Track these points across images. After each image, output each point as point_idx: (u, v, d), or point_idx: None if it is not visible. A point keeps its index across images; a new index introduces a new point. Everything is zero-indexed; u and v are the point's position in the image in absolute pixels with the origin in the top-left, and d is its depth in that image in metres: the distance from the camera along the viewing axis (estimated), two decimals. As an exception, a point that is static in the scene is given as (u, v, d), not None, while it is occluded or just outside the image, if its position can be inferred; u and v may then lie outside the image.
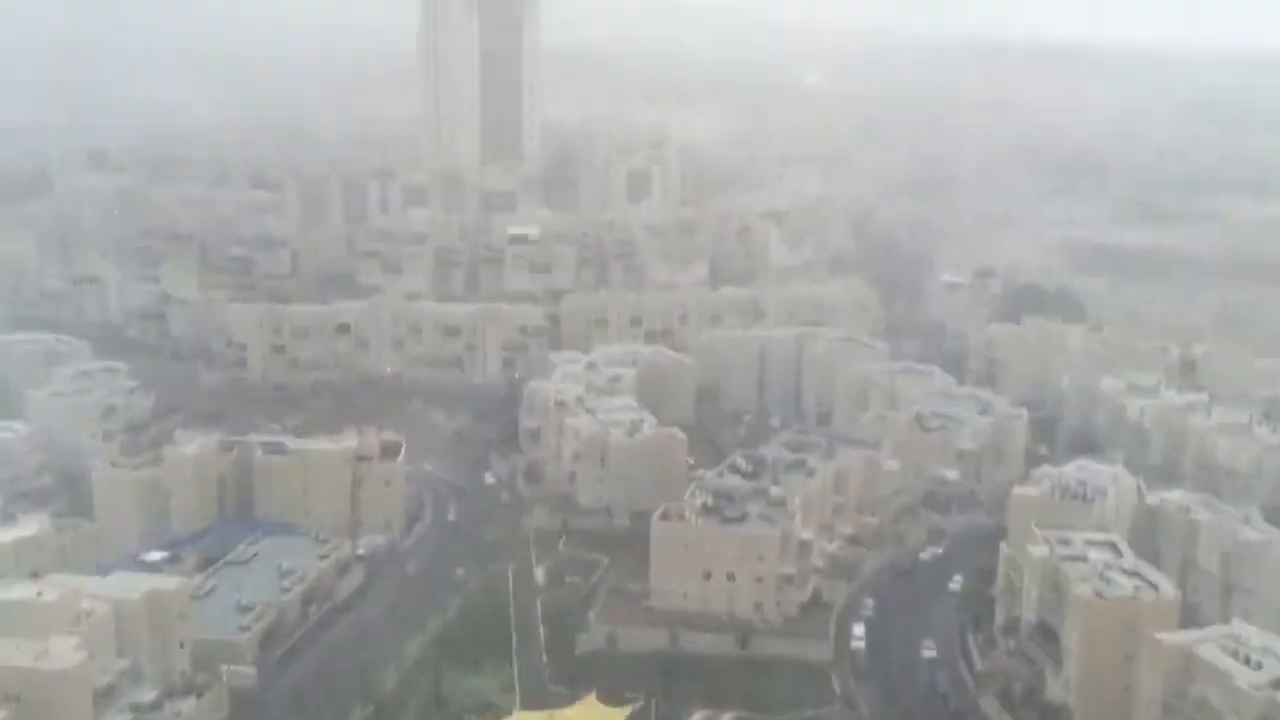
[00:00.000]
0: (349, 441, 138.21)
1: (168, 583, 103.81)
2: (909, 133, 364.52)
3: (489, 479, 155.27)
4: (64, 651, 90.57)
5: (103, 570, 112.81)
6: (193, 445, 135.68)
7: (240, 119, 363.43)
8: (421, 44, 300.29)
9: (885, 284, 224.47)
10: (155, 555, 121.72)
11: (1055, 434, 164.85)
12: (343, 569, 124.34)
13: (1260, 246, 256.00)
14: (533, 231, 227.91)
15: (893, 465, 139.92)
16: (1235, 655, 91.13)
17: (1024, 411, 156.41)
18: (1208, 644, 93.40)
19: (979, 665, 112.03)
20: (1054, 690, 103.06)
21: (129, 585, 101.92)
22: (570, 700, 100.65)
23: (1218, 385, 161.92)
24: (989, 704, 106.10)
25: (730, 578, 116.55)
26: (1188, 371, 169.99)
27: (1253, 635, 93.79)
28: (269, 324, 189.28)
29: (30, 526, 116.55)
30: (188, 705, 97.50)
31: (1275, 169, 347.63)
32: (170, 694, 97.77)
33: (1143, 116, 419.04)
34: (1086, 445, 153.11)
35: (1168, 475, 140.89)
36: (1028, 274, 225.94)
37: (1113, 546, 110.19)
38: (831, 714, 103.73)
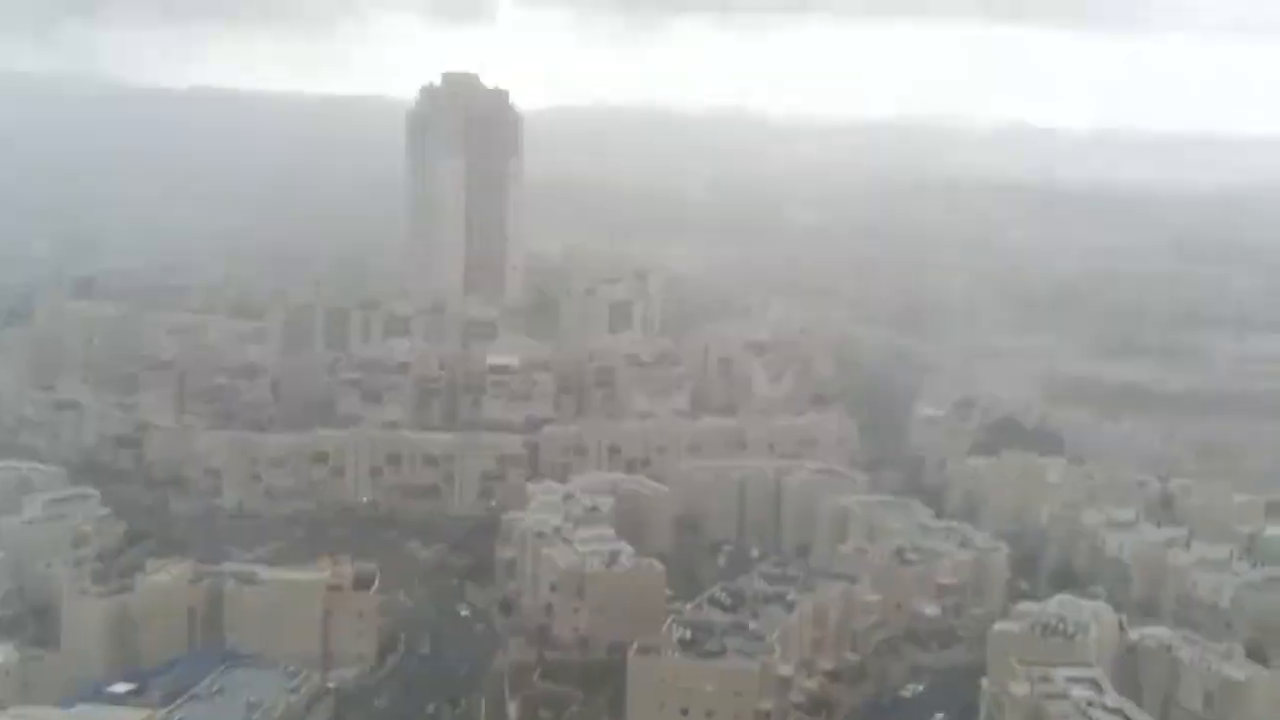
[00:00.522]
0: (321, 571, 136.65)
1: (132, 716, 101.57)
2: (890, 266, 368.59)
3: (464, 610, 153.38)
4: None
5: (66, 702, 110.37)
6: (163, 574, 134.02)
7: (228, 247, 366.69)
8: (408, 175, 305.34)
9: (866, 415, 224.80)
10: (121, 687, 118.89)
11: (1036, 568, 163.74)
12: (312, 702, 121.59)
13: (1238, 382, 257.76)
14: (513, 361, 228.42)
15: (872, 599, 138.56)
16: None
17: (1004, 545, 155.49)
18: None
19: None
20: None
21: (92, 718, 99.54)
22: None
23: (1197, 520, 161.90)
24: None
25: (709, 714, 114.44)
26: (1167, 506, 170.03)
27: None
28: (245, 452, 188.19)
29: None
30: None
31: (1253, 305, 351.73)
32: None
33: (1123, 252, 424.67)
34: (1067, 580, 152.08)
35: (1149, 610, 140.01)
36: (1007, 407, 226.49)
37: (1094, 683, 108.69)
38: None
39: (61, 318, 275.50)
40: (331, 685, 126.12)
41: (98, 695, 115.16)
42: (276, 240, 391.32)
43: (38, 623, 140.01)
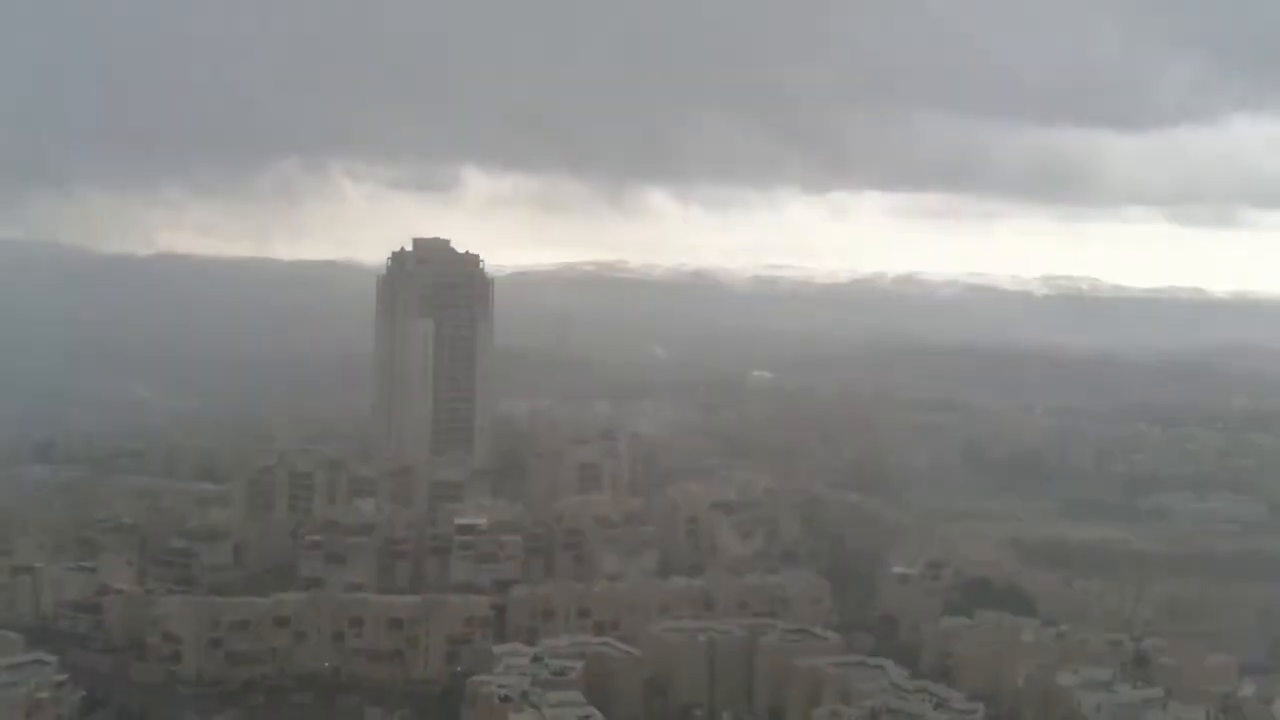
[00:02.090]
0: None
1: None
2: (855, 429, 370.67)
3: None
4: None
5: None
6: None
7: (191, 411, 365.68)
8: (377, 338, 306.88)
9: (836, 576, 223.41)
10: None
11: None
12: None
13: (1202, 541, 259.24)
14: (481, 521, 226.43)
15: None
16: None
17: (980, 706, 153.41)
18: None
19: None
20: None
21: None
22: None
23: (1171, 680, 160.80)
24: None
25: None
26: (1142, 665, 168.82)
27: None
28: (206, 616, 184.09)
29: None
30: None
31: (1212, 466, 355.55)
32: None
33: (1085, 415, 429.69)
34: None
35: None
36: (978, 568, 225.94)
37: None
38: None
39: (19, 482, 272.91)
40: None
41: None
42: (237, 405, 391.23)
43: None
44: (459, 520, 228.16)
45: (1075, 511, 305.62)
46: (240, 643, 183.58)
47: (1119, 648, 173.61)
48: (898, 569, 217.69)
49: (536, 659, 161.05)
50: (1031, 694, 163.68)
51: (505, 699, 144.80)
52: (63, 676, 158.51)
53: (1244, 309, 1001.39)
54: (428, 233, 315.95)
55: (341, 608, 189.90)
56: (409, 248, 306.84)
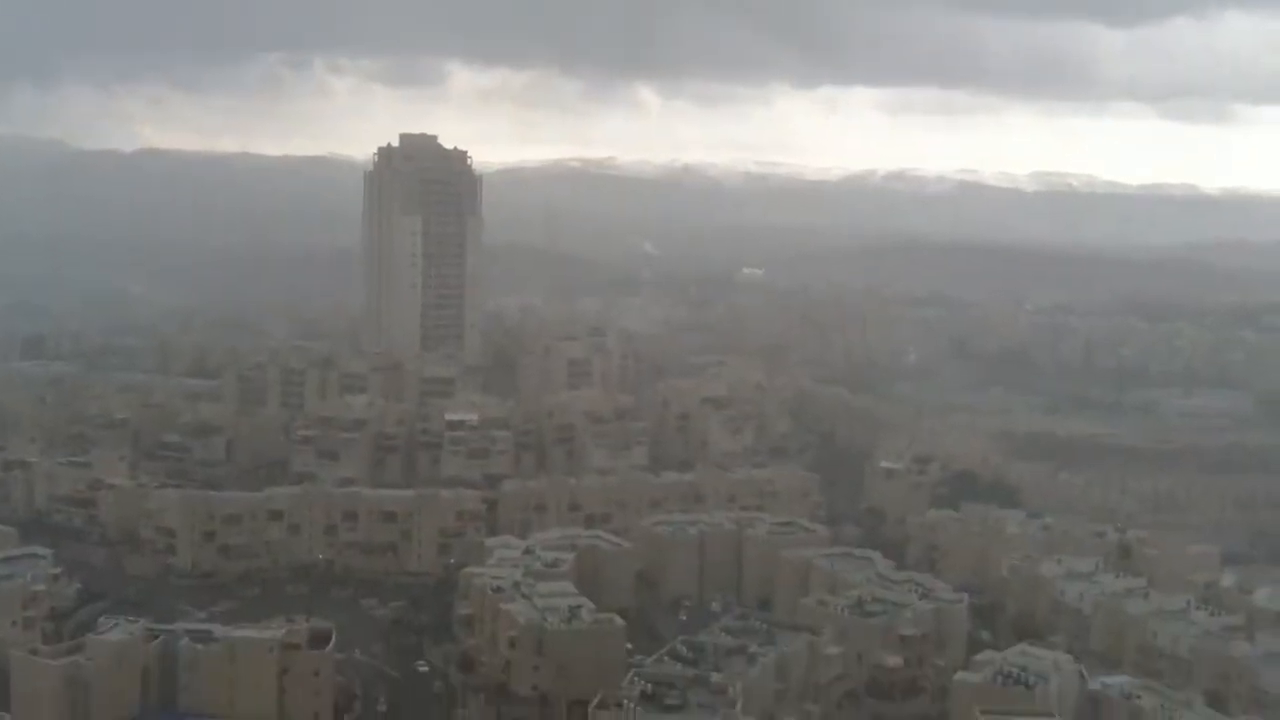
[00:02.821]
0: (277, 630, 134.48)
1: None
2: (845, 325, 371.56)
3: (422, 667, 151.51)
4: None
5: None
6: (116, 633, 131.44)
7: (181, 307, 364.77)
8: (365, 234, 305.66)
9: (825, 470, 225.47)
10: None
11: (996, 619, 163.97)
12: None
13: (1187, 436, 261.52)
14: (472, 417, 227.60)
15: (834, 651, 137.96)
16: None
17: (965, 596, 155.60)
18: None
19: None
20: None
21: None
22: None
23: (1154, 570, 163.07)
24: None
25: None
26: (1125, 556, 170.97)
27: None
28: (200, 510, 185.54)
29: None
30: None
31: (1200, 361, 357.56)
32: None
33: (1074, 311, 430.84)
34: (1028, 630, 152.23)
35: (1109, 660, 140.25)
36: (964, 462, 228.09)
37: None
38: None
39: (10, 378, 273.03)
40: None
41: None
42: (228, 301, 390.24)
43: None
44: (449, 416, 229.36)
45: (1063, 406, 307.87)
46: (234, 536, 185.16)
47: (1103, 539, 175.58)
48: (885, 463, 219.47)
49: (528, 551, 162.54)
50: (1016, 584, 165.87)
51: (498, 590, 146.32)
52: (58, 569, 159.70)
53: (1236, 205, 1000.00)
54: (415, 129, 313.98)
55: (334, 501, 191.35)
56: (396, 144, 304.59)
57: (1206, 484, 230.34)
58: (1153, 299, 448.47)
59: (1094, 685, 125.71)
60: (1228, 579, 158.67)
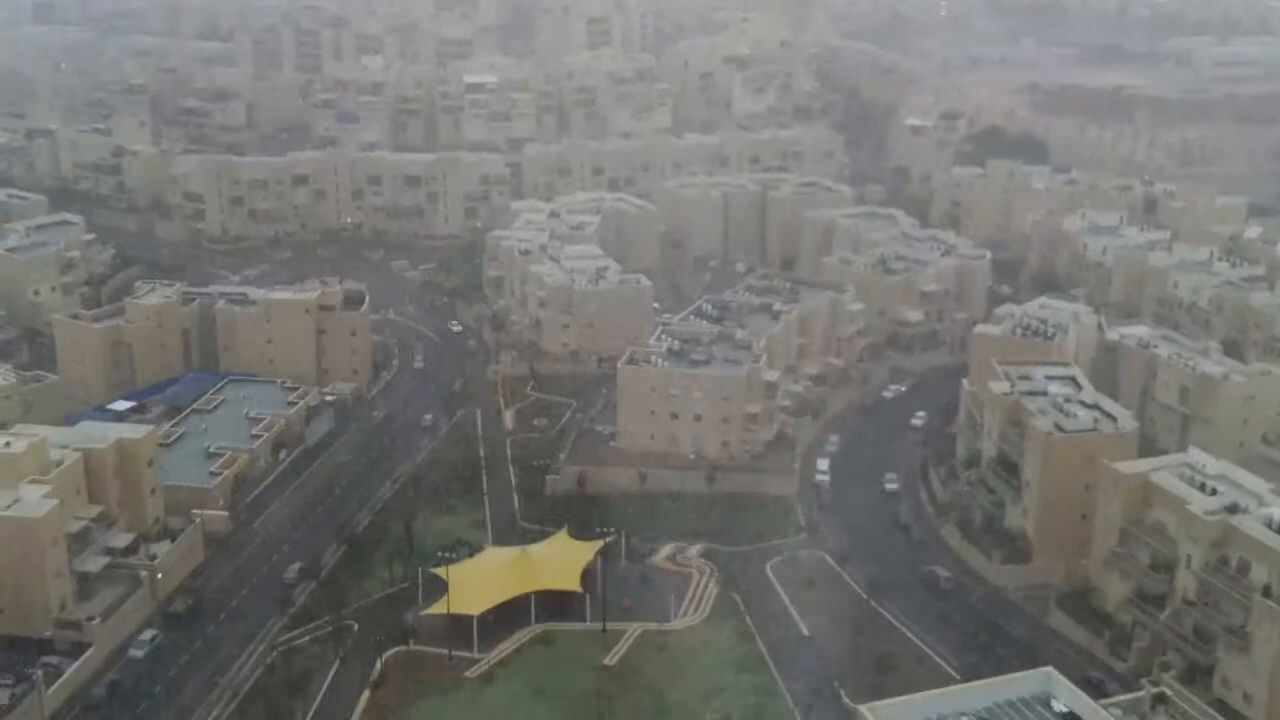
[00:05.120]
0: (311, 291, 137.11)
1: (136, 431, 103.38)
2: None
3: (455, 327, 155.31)
4: (34, 499, 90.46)
5: (69, 421, 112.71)
6: (154, 297, 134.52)
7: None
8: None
9: (850, 129, 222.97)
10: (121, 405, 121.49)
11: (1018, 274, 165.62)
12: (311, 415, 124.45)
13: (1221, 86, 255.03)
14: (490, 80, 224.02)
15: (857, 307, 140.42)
16: (1191, 482, 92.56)
17: (987, 253, 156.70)
18: (1164, 472, 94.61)
19: (940, 496, 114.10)
20: (1013, 519, 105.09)
21: (97, 434, 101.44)
22: (541, 537, 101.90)
23: (1179, 223, 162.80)
24: (949, 532, 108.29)
25: (697, 418, 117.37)
26: (1150, 210, 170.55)
27: (1208, 463, 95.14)
28: (225, 175, 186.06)
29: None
30: (163, 549, 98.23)
31: (1237, 9, 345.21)
32: (145, 538, 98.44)
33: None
34: (1049, 284, 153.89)
35: (1129, 311, 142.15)
36: (991, 117, 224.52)
37: (1073, 381, 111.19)
38: (796, 544, 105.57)
39: (22, 45, 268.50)
40: (330, 399, 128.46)
41: (99, 414, 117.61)
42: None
43: (32, 348, 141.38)
44: (468, 78, 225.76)
45: (1095, 56, 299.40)
46: (261, 201, 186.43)
47: (1129, 193, 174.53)
48: (911, 120, 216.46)
49: (554, 215, 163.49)
50: (1039, 239, 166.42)
51: (525, 252, 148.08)
52: (90, 235, 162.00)
53: None
54: None
55: (358, 166, 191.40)
56: None
57: (1239, 135, 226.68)
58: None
59: (1112, 336, 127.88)
60: (1252, 230, 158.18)
